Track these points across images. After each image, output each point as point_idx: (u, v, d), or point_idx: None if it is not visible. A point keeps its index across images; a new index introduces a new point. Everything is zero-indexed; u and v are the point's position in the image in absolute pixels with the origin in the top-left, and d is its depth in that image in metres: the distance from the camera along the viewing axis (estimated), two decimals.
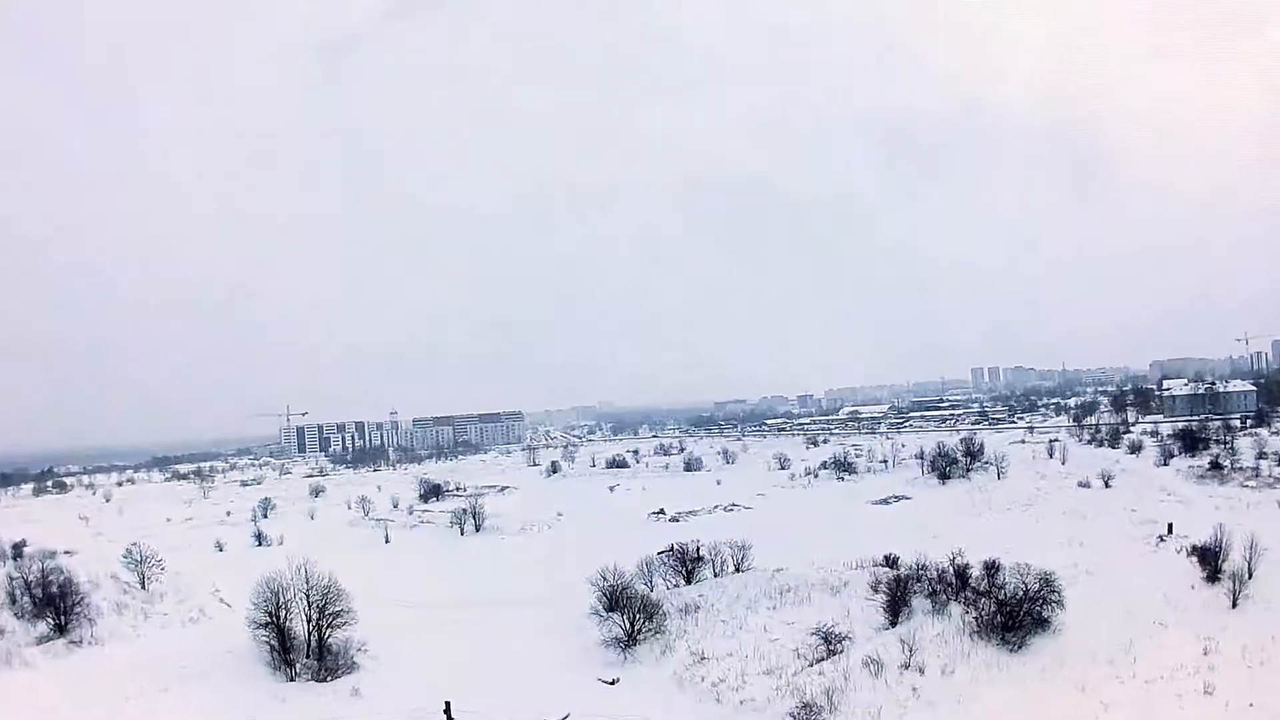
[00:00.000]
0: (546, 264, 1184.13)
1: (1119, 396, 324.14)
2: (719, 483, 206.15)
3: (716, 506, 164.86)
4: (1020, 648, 67.20)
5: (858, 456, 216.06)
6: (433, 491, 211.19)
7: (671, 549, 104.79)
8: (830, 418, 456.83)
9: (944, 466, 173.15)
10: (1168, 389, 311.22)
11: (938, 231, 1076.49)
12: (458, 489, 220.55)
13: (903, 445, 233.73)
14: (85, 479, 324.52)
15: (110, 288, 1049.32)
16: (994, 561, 78.84)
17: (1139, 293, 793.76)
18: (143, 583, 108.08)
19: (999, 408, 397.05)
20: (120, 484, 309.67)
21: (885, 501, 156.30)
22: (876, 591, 79.79)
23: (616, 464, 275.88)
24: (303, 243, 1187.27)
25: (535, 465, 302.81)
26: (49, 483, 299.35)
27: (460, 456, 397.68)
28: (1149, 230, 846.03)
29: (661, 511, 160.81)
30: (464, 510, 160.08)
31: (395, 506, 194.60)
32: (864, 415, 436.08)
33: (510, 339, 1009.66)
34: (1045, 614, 69.68)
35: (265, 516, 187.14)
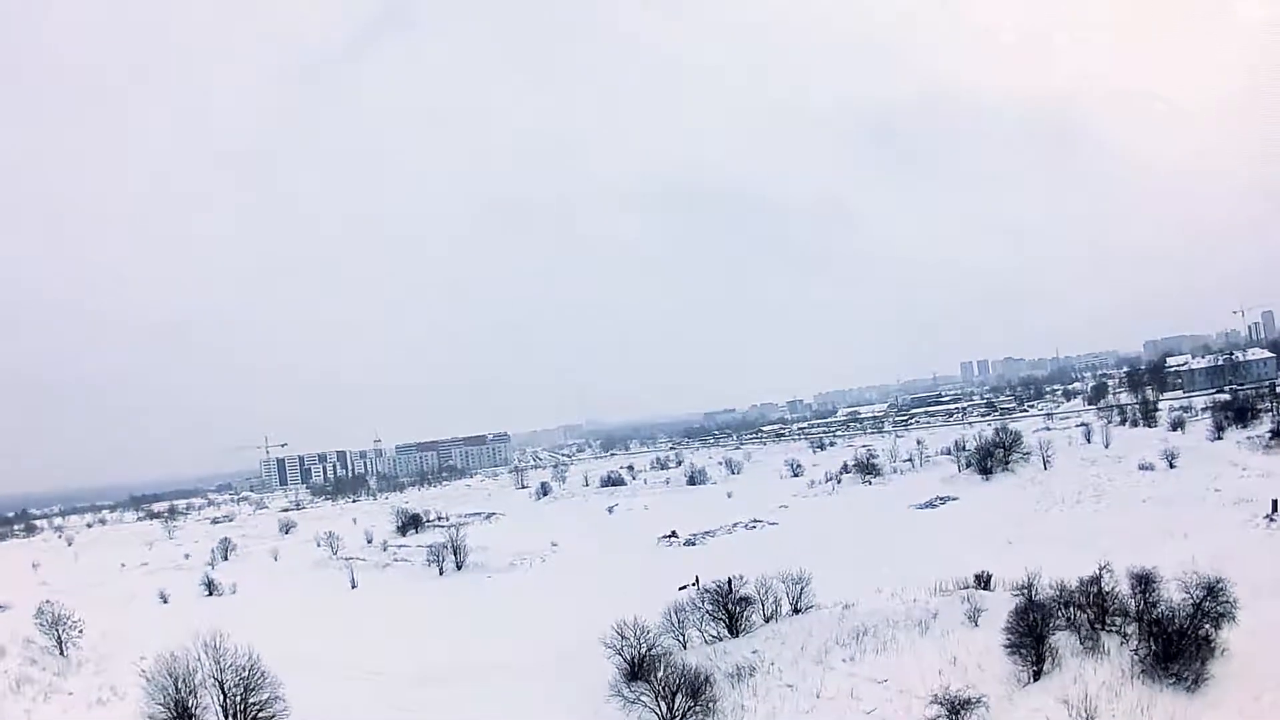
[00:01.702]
0: (526, 280, 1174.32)
1: (1133, 375, 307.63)
2: (730, 496, 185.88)
3: (736, 524, 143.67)
4: (1196, 685, 49.87)
5: (873, 458, 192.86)
6: (411, 523, 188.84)
7: (697, 582, 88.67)
8: (828, 420, 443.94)
9: (985, 461, 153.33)
10: (1183, 364, 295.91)
11: (919, 229, 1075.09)
12: (439, 519, 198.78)
13: (917, 443, 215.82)
14: (58, 520, 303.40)
15: (90, 322, 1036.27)
16: (1146, 573, 58.58)
17: (1123, 277, 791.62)
18: (60, 648, 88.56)
19: (1004, 398, 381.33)
20: (90, 525, 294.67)
21: (931, 504, 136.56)
22: (1011, 632, 58.07)
23: (612, 482, 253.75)
24: (280, 272, 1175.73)
25: (524, 488, 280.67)
26: (19, 525, 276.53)
27: (445, 482, 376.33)
28: (1129, 215, 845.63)
29: (673, 534, 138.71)
30: (442, 546, 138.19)
31: (370, 542, 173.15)
32: (864, 416, 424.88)
33: (493, 360, 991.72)
34: (1207, 633, 52.81)
35: (225, 559, 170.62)
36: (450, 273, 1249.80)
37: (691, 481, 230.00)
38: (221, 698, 60.29)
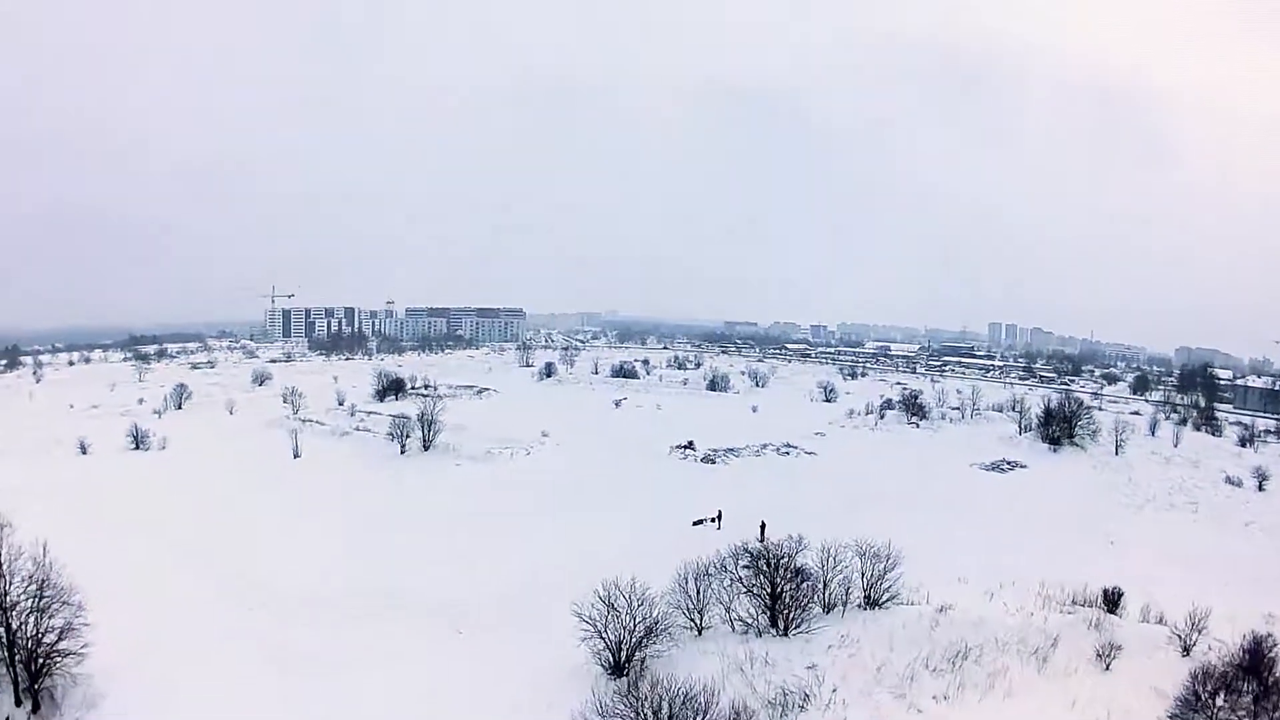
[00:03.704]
0: (553, 157, 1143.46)
1: (1185, 377, 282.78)
2: (755, 410, 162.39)
3: (765, 445, 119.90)
4: None
5: (916, 397, 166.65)
6: (391, 388, 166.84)
7: (719, 519, 73.98)
8: (856, 350, 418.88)
9: (1051, 428, 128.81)
10: (1236, 379, 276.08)
11: (969, 178, 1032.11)
12: (425, 387, 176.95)
13: (959, 392, 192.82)
14: (45, 357, 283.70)
15: (114, 157, 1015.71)
16: None
17: (1162, 278, 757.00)
18: None
19: (1042, 365, 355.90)
20: (72, 363, 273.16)
21: (999, 468, 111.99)
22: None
23: (624, 373, 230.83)
24: (307, 121, 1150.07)
25: (528, 366, 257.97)
26: (3, 360, 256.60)
27: (448, 351, 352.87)
28: (1184, 217, 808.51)
29: (689, 445, 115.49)
30: (409, 419, 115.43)
31: (340, 405, 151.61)
32: (895, 353, 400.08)
33: (519, 239, 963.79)
34: None
35: (178, 407, 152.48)
36: (485, 147, 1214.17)
37: (712, 387, 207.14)
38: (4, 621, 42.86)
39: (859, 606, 50.85)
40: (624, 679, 42.55)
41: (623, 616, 43.82)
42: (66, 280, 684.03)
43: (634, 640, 43.80)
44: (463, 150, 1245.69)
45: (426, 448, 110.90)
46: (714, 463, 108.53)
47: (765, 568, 49.34)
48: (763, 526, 68.88)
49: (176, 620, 51.79)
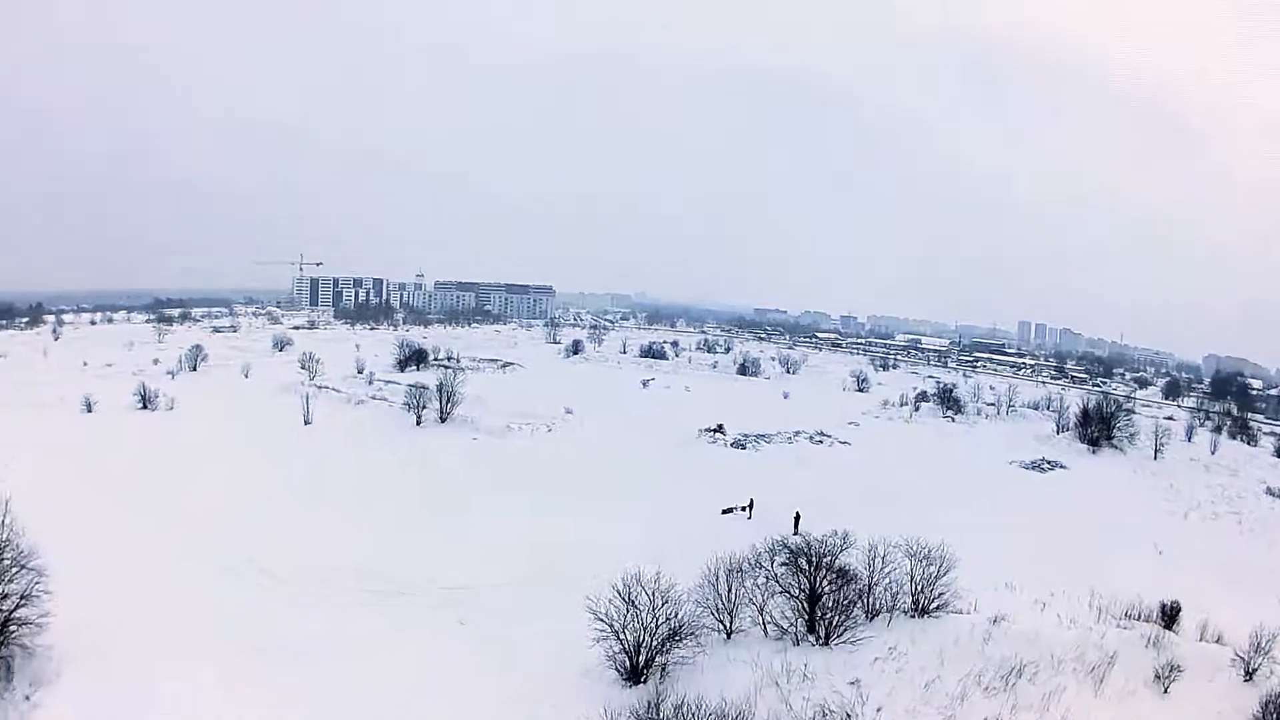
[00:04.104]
0: (597, 145, 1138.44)
1: (1219, 385, 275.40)
2: (786, 396, 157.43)
3: (798, 433, 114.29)
4: None
5: (951, 391, 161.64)
6: (413, 358, 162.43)
7: (750, 508, 69.54)
8: (887, 342, 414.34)
9: (1090, 429, 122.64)
10: (1269, 389, 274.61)
11: (998, 175, 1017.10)
12: (449, 358, 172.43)
13: (992, 388, 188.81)
14: (69, 316, 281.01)
15: (150, 121, 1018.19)
16: None
17: (1192, 283, 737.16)
18: None
19: (1074, 366, 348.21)
20: (95, 323, 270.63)
21: (1038, 467, 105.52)
22: None
23: (653, 354, 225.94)
24: (346, 89, 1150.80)
25: (555, 343, 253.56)
26: (25, 318, 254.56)
27: (475, 325, 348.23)
28: (1219, 223, 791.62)
29: (719, 429, 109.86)
30: (427, 389, 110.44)
31: (360, 373, 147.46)
32: (925, 347, 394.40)
33: (548, 212, 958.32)
34: None
35: (193, 369, 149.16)
36: (526, 126, 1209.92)
37: (743, 371, 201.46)
38: None
39: (906, 614, 45.26)
40: (641, 687, 37.43)
41: (643, 615, 38.55)
42: (96, 244, 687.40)
43: (655, 643, 38.58)
44: (496, 126, 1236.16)
45: (443, 419, 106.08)
46: (744, 448, 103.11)
47: (806, 566, 43.94)
48: (797, 518, 64.21)
49: (154, 591, 47.26)
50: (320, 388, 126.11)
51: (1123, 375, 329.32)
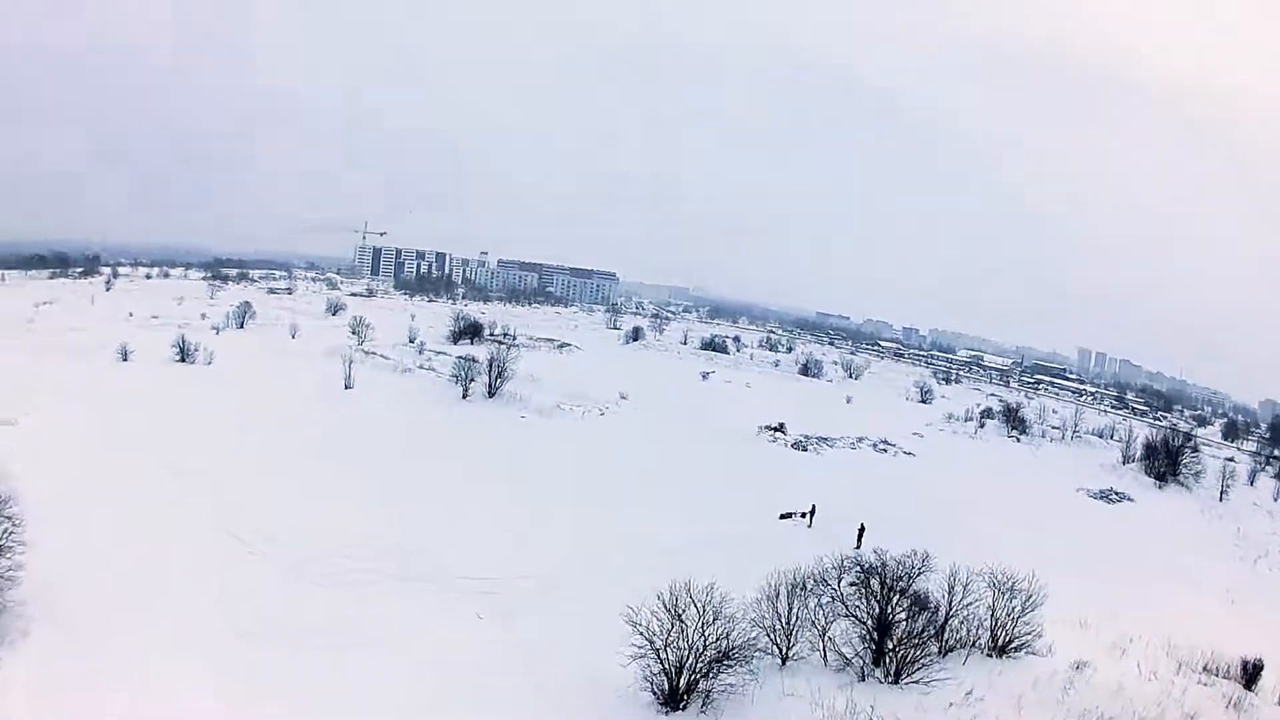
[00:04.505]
0: (663, 134, 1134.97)
1: (1276, 429, 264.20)
2: (849, 401, 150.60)
3: (861, 439, 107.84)
4: None
5: (1017, 410, 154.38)
6: (468, 331, 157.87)
7: (811, 514, 64.11)
8: (949, 356, 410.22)
9: (1156, 462, 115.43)
10: None
11: (1068, 194, 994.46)
12: (505, 335, 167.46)
13: (1054, 411, 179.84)
14: (125, 269, 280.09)
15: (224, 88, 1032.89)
16: None
17: (1261, 329, 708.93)
18: None
19: (1134, 398, 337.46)
20: (149, 277, 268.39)
21: (1107, 498, 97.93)
22: None
23: (714, 347, 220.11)
24: (421, 65, 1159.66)
25: (615, 329, 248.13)
26: (80, 269, 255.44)
27: (537, 305, 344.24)
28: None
29: (780, 428, 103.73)
30: (476, 361, 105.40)
31: (411, 341, 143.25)
32: (987, 364, 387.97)
33: (616, 207, 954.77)
34: None
35: (240, 326, 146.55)
36: (585, 103, 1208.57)
37: (805, 371, 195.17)
38: None
39: (983, 651, 39.95)
40: (680, 715, 31.90)
41: (689, 632, 32.84)
42: (162, 203, 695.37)
43: (701, 666, 32.90)
44: (563, 111, 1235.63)
45: (492, 394, 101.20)
46: (805, 450, 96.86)
47: (880, 590, 38.03)
48: (861, 531, 58.54)
49: (150, 555, 42.96)
50: (368, 353, 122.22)
51: (1181, 412, 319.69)
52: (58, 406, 70.84)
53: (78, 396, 76.51)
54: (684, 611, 32.96)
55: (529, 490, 65.04)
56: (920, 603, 38.76)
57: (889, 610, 37.68)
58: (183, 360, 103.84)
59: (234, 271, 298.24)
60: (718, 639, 33.03)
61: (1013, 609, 40.37)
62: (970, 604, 40.14)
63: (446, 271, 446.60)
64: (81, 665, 31.67)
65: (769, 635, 36.71)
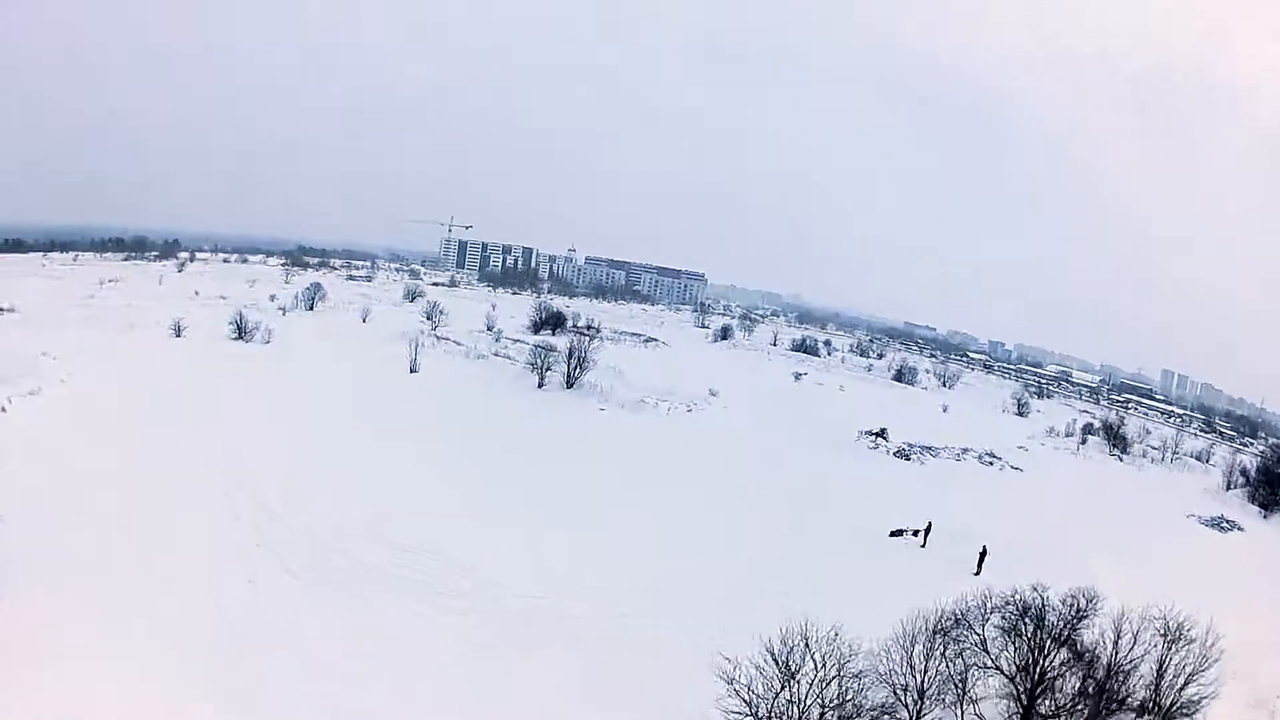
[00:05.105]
0: (757, 136, 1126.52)
1: None
2: (945, 410, 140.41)
3: (966, 450, 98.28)
4: None
5: (1119, 427, 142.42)
6: (550, 321, 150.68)
7: (927, 532, 56.05)
8: (1038, 370, 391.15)
9: (1263, 491, 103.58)
10: None
11: (1164, 206, 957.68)
12: (588, 327, 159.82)
13: (1147, 430, 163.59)
14: (202, 254, 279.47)
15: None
16: None
17: None
18: None
19: (1223, 423, 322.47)
20: (227, 261, 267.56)
21: (1219, 526, 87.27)
22: None
23: (805, 349, 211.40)
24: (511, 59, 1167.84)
25: (704, 328, 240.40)
26: (155, 252, 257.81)
27: (624, 302, 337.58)
28: None
29: (881, 434, 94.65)
30: (554, 350, 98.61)
31: (489, 329, 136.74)
32: (1076, 380, 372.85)
33: (710, 208, 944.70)
34: None
35: (310, 308, 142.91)
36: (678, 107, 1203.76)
37: (898, 378, 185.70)
38: None
39: (1150, 714, 31.39)
40: None
41: (800, 685, 24.67)
42: (247, 194, 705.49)
43: None
44: (658, 110, 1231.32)
45: (570, 384, 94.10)
46: (908, 459, 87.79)
47: (1038, 636, 29.61)
48: (983, 555, 50.31)
49: (154, 541, 37.52)
50: (440, 339, 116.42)
51: (1265, 439, 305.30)
52: (90, 376, 66.60)
53: (117, 368, 72.18)
54: (799, 665, 24.79)
55: (598, 493, 57.30)
56: (1081, 656, 30.63)
57: (1045, 663, 29.39)
58: (240, 338, 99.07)
59: (315, 260, 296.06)
60: (840, 702, 24.82)
61: (1182, 665, 32.08)
62: (1140, 658, 31.68)
63: (532, 265, 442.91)
64: (48, 641, 27.68)
65: (894, 690, 28.46)
